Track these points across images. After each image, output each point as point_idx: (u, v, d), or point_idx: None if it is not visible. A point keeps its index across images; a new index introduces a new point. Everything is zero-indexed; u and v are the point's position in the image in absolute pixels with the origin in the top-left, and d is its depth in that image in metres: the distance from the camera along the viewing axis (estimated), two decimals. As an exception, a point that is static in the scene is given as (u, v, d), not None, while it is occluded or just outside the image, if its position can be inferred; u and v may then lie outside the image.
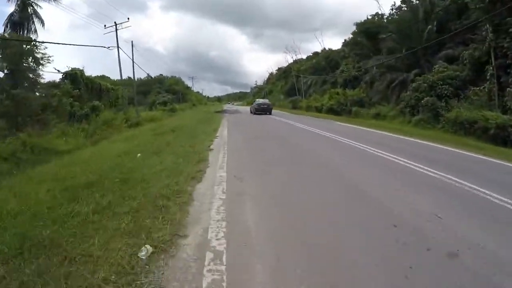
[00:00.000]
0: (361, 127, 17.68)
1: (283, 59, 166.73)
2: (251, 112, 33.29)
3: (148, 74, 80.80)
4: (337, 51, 46.59)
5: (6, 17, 24.26)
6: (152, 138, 12.57)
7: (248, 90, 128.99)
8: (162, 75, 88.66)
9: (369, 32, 39.28)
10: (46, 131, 14.29)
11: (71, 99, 17.80)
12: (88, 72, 24.84)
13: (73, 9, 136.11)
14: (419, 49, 22.91)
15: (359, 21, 40.51)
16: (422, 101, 19.00)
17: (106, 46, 22.83)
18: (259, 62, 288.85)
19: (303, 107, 38.63)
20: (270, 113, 30.38)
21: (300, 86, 47.26)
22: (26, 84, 23.58)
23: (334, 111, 28.65)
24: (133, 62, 27.79)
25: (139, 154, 8.28)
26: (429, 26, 23.13)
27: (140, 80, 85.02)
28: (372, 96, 26.87)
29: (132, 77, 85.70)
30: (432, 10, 24.04)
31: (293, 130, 16.40)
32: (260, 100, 36.51)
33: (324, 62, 44.19)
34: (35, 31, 25.65)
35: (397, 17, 37.56)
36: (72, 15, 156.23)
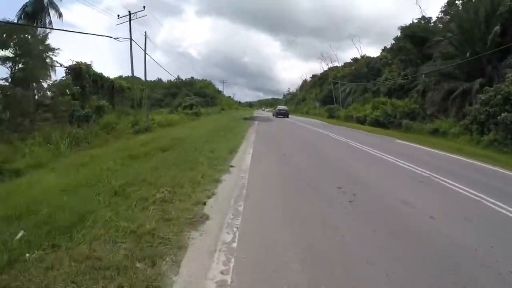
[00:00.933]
0: (441, 152, 13.30)
1: (316, 67, 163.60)
2: (273, 115, 41.88)
3: (177, 76, 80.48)
4: (378, 58, 43.15)
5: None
6: (118, 166, 7.27)
7: (280, 97, 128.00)
8: (193, 77, 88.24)
9: (415, 37, 35.87)
10: (29, 134, 11.95)
11: (70, 97, 15.26)
12: (117, 73, 22.77)
13: (109, 12, 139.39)
14: (485, 54, 19.36)
15: (403, 25, 37.28)
16: (499, 118, 15.37)
17: (115, 37, 20.11)
18: (292, 69, 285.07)
19: (341, 117, 35.35)
20: (287, 117, 38.48)
21: (338, 93, 43.95)
22: (42, 81, 22.18)
23: (380, 124, 25.18)
24: (145, 54, 23.74)
25: (20, 234, 3.41)
26: (496, 28, 19.47)
27: (170, 82, 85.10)
28: (426, 108, 23.29)
29: (160, 79, 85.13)
30: (494, 11, 20.31)
31: (357, 154, 11.44)
32: (280, 107, 47.37)
33: (366, 68, 40.80)
34: (50, 23, 24.24)
35: (447, 19, 34.23)
36: (108, 19, 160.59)
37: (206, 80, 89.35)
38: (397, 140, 17.18)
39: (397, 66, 34.25)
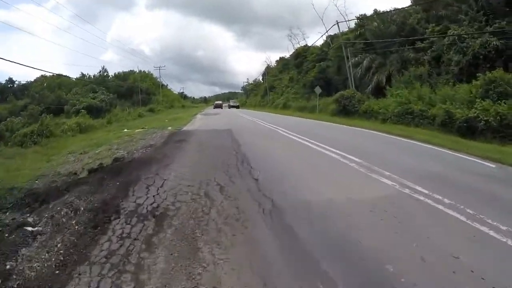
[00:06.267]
0: None
1: (276, 56, 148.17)
2: (214, 108, 54.92)
3: (102, 67, 59.92)
4: (406, 11, 26.39)
5: None
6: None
7: (237, 90, 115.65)
8: (132, 70, 67.99)
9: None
10: None
11: None
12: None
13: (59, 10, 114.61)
14: None
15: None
16: None
17: None
18: (248, 61, 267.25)
19: (383, 115, 17.35)
20: (221, 108, 53.48)
21: (349, 70, 26.06)
22: None
23: None
24: None
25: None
26: None
27: (95, 78, 63.81)
28: None
29: (85, 74, 63.71)
30: None
31: None
32: (217, 102, 66.05)
33: (394, 26, 23.75)
34: None
35: None
36: (57, 17, 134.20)
37: (144, 71, 69.15)
38: None
39: (472, 18, 17.62)
